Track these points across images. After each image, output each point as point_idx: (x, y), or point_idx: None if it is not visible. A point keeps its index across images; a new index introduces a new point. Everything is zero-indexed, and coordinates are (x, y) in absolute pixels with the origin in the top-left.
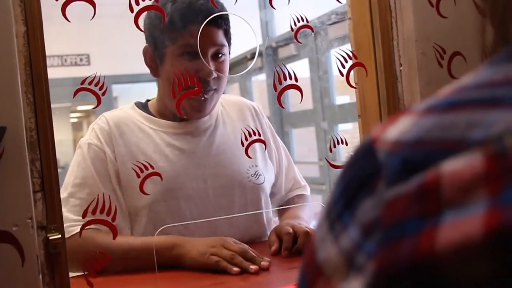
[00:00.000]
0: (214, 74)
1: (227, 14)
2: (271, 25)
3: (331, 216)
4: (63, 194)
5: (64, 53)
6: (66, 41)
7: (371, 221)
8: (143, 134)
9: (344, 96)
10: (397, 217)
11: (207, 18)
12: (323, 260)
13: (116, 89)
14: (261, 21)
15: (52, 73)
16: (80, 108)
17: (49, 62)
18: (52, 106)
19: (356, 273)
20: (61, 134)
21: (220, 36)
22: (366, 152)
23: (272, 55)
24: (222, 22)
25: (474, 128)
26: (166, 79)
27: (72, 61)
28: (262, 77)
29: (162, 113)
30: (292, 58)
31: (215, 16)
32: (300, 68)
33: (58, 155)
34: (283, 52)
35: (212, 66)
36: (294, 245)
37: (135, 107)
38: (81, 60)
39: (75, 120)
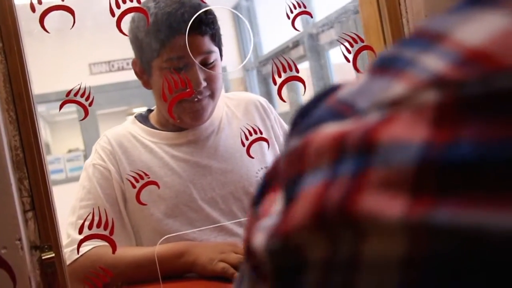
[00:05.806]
0: (204, 83)
1: (213, 18)
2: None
3: None
4: (72, 218)
5: (111, 59)
6: (112, 47)
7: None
8: (145, 149)
9: None
10: (283, 178)
11: (188, 28)
12: None
13: None
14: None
15: (102, 79)
16: (135, 110)
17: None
18: (109, 110)
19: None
20: None
21: (206, 43)
22: None
23: (313, 41)
24: (207, 28)
25: (361, 96)
26: (157, 90)
27: (119, 66)
28: (305, 64)
29: (162, 124)
30: (335, 43)
31: (198, 24)
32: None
33: None
34: (324, 38)
35: (201, 75)
36: None
37: (136, 121)
38: (127, 64)
39: None
